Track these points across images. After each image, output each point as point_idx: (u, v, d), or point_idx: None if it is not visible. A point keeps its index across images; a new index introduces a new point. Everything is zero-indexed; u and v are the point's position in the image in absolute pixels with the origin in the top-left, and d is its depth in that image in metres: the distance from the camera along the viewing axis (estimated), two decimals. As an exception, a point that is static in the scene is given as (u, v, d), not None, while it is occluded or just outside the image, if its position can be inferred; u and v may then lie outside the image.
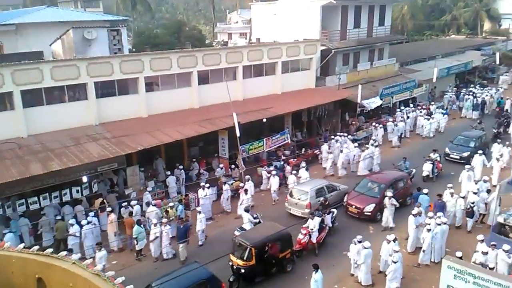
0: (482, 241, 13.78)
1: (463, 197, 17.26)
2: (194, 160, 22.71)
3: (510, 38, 60.30)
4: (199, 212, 16.60)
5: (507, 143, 23.94)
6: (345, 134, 26.53)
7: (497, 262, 13.28)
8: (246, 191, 18.60)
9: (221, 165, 21.83)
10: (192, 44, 31.23)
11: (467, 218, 17.11)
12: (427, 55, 41.82)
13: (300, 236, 15.44)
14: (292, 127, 26.67)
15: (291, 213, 18.44)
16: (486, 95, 35.30)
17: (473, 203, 17.01)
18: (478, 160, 21.41)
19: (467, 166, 20.27)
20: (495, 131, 27.63)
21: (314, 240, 15.53)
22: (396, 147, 27.19)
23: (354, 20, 32.81)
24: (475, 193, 17.30)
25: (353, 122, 30.04)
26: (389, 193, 17.25)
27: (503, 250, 13.24)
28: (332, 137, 25.86)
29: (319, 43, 29.44)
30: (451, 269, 9.24)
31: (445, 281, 9.37)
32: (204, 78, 23.58)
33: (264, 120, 23.03)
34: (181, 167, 21.15)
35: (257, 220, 16.63)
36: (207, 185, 18.82)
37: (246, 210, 16.94)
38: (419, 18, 62.56)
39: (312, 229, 15.49)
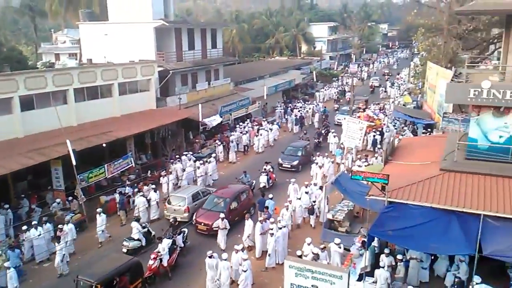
0: (309, 244, 14.80)
1: (299, 199, 19.23)
2: (23, 196, 19.88)
3: (323, 58, 69.99)
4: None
5: (326, 154, 26.88)
6: (190, 153, 26.80)
7: (331, 255, 14.90)
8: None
9: (58, 199, 19.60)
10: (12, 67, 27.59)
11: (310, 216, 19.16)
12: (257, 75, 45.37)
13: (150, 262, 14.78)
14: (136, 150, 25.66)
15: (169, 219, 18.30)
16: (305, 109, 39.84)
17: (314, 201, 19.29)
18: (314, 168, 23.96)
19: (292, 180, 21.60)
20: (316, 141, 31.37)
21: (165, 264, 15.04)
22: (233, 163, 28.32)
23: (188, 42, 33.60)
24: (306, 193, 19.60)
25: (197, 141, 30.51)
26: (222, 214, 17.49)
27: (334, 243, 14.95)
28: (177, 156, 25.81)
29: (156, 64, 29.21)
30: (292, 268, 9.99)
31: (288, 280, 10.08)
32: (28, 104, 20.99)
33: (104, 145, 21.59)
34: (6, 206, 18.28)
35: (145, 230, 16.88)
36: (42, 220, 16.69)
37: (137, 220, 17.34)
38: (246, 41, 67.51)
39: (161, 253, 15.00)
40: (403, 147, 20.47)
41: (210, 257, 14.07)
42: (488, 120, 14.87)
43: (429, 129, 29.63)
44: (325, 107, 41.72)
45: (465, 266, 13.32)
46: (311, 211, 19.18)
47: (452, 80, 17.21)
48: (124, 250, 16.48)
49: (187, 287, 14.63)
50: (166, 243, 15.23)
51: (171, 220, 17.62)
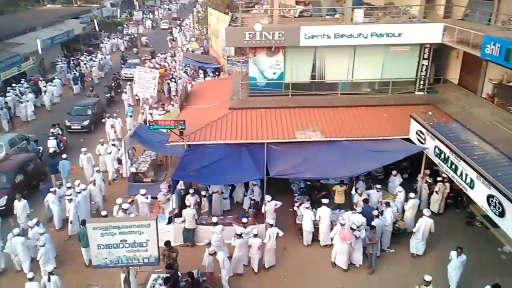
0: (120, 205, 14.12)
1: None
2: None
3: (103, 5, 64.43)
4: None
5: (117, 112, 25.04)
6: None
7: (139, 206, 14.74)
8: None
9: None
10: None
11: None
12: (26, 27, 39.00)
13: None
14: None
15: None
16: (90, 63, 36.41)
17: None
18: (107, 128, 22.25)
19: (83, 150, 18.67)
20: (108, 96, 29.51)
21: None
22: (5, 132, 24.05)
23: None
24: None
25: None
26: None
27: (140, 194, 14.79)
28: None
29: None
30: (96, 230, 9.50)
31: (94, 241, 9.59)
32: None
33: None
34: None
35: None
36: None
37: None
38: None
39: None
40: (196, 92, 21.29)
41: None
42: (263, 59, 16.59)
43: (216, 73, 31.37)
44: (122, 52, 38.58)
45: (257, 189, 15.14)
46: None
47: (229, 24, 18.36)
48: None
49: None
50: None
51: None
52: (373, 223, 12.40)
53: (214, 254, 11.82)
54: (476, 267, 11.94)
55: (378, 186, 14.55)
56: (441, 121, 14.68)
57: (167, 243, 11.89)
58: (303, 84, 16.92)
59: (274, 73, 16.83)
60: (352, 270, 12.56)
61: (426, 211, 12.74)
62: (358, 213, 12.93)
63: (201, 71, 32.36)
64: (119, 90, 30.45)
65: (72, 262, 13.39)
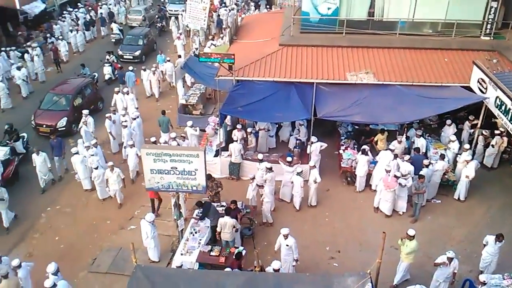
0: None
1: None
2: None
3: None
4: None
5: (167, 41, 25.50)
6: (13, 48, 22.73)
7: (188, 137, 15.10)
8: None
9: None
10: None
11: None
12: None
13: None
14: None
15: None
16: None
17: None
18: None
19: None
20: (159, 25, 29.32)
21: None
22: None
23: None
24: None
25: (20, 33, 25.80)
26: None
27: (188, 126, 15.11)
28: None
29: None
30: (150, 155, 9.88)
31: (148, 166, 10.04)
32: None
33: None
34: None
35: None
36: None
37: None
38: None
39: None
40: (246, 26, 20.62)
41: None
42: (318, -7, 15.60)
43: (267, 6, 30.21)
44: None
45: (304, 129, 15.01)
46: None
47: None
48: None
49: (30, 197, 13.53)
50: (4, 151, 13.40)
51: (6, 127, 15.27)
52: (421, 173, 12.07)
53: (261, 187, 12.04)
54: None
55: (419, 132, 14.00)
56: (505, 70, 13.53)
57: (208, 176, 12.17)
58: (359, 21, 15.89)
59: (328, 8, 15.87)
60: (395, 217, 12.50)
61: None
62: (406, 161, 12.58)
63: (252, 3, 31.23)
64: (163, 23, 30.12)
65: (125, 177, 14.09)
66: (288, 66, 14.73)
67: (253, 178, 12.31)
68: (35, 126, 16.52)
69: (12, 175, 13.91)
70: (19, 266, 9.34)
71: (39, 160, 13.39)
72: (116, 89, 17.69)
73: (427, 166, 12.35)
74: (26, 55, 21.98)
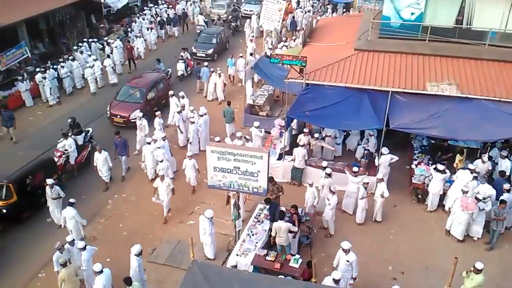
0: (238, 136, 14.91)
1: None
2: None
3: None
4: None
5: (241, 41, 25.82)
6: (95, 40, 24.52)
7: (253, 138, 15.34)
8: None
9: None
10: None
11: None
12: None
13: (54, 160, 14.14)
14: (30, 38, 22.73)
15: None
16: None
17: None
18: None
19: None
20: (233, 25, 30.02)
21: (72, 162, 14.43)
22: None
23: None
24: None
25: (102, 25, 27.79)
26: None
27: (254, 126, 15.35)
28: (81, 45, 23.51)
29: None
30: (214, 153, 10.19)
31: (211, 164, 10.34)
32: None
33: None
34: None
35: None
36: None
37: None
38: None
39: (68, 150, 14.33)
40: (321, 28, 20.46)
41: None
42: (402, -4, 15.08)
43: (344, 9, 29.78)
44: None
45: (374, 139, 14.59)
46: None
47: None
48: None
49: (95, 184, 14.35)
50: (71, 140, 14.43)
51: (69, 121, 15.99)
52: (503, 198, 11.21)
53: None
54: None
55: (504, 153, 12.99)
56: None
57: (271, 179, 12.23)
58: (445, 29, 15.08)
59: (412, 14, 15.24)
60: (468, 242, 11.73)
61: None
62: (488, 184, 11.75)
63: (329, 6, 30.97)
64: (237, 23, 30.69)
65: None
66: (362, 72, 14.36)
67: (311, 184, 12.20)
68: (109, 116, 17.68)
69: (84, 161, 15.03)
70: (84, 248, 10.03)
71: (101, 158, 13.73)
72: (171, 92, 17.80)
73: (508, 191, 11.44)
74: (106, 48, 23.60)
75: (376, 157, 13.47)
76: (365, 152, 14.12)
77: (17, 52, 19.84)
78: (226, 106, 16.98)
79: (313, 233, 11.74)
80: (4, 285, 10.82)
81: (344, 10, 29.76)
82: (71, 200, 11.73)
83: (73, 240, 10.29)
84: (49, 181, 12.14)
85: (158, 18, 29.63)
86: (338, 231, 12.05)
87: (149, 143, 14.34)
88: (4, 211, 12.02)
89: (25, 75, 19.58)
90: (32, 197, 12.69)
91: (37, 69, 20.07)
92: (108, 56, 22.12)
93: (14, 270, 11.21)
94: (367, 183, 12.17)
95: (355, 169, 12.59)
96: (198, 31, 27.85)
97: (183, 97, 17.62)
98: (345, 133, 15.59)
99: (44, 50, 23.99)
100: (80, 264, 10.06)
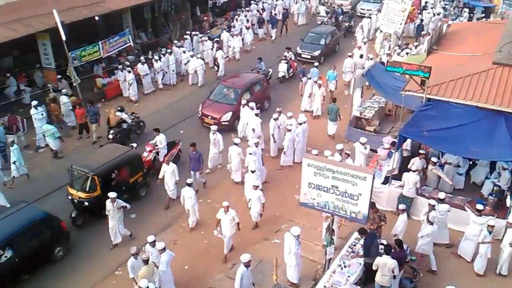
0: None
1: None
2: (9, 74, 19.83)
3: None
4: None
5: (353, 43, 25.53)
6: (197, 33, 25.95)
7: (355, 155, 14.97)
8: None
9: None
10: None
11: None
12: None
13: (144, 154, 15.12)
14: (134, 27, 24.84)
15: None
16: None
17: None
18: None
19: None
20: (347, 25, 29.67)
21: (161, 158, 15.23)
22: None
23: None
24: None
25: (205, 18, 29.36)
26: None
27: (359, 142, 14.96)
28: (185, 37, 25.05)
29: None
30: (311, 167, 10.02)
31: (306, 179, 10.19)
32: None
33: (97, 18, 20.91)
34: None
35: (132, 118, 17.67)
36: (34, 102, 16.89)
37: (120, 110, 17.31)
38: None
39: (158, 146, 15.22)
40: (452, 35, 19.43)
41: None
42: None
43: (483, 14, 27.90)
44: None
45: (508, 174, 13.42)
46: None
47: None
48: (110, 136, 16.58)
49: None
50: (162, 137, 15.30)
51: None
52: None
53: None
54: None
55: None
56: None
57: (372, 205, 11.64)
58: None
59: None
60: None
61: None
62: None
63: (465, 10, 29.19)
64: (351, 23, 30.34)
65: (278, 185, 15.05)
66: (501, 90, 13.33)
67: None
68: (200, 115, 18.41)
69: (173, 158, 15.84)
70: (164, 249, 10.55)
71: (169, 170, 13.82)
72: (243, 101, 17.61)
73: None
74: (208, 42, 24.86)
75: (508, 197, 12.41)
76: (495, 188, 13.03)
77: (120, 40, 21.59)
78: (331, 103, 17.58)
79: (418, 276, 11.02)
80: (80, 279, 11.79)
81: (483, 15, 27.82)
82: (188, 181, 12.97)
83: (154, 241, 10.87)
84: (112, 194, 12.10)
85: (264, 13, 30.32)
86: (450, 279, 11.14)
87: (236, 144, 14.72)
88: (86, 203, 13.03)
89: (127, 64, 21.17)
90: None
91: (141, 58, 21.60)
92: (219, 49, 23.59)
93: (93, 264, 12.19)
94: (493, 226, 11.15)
95: (480, 207, 11.61)
96: (319, 22, 29.43)
97: (252, 108, 17.14)
98: (470, 162, 14.48)
99: (146, 40, 26.03)
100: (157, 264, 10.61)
